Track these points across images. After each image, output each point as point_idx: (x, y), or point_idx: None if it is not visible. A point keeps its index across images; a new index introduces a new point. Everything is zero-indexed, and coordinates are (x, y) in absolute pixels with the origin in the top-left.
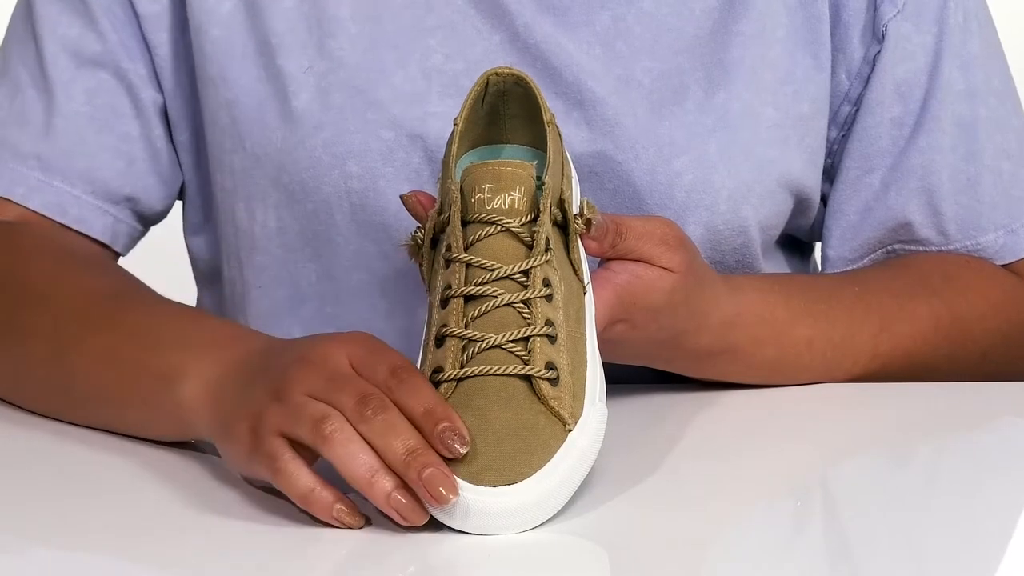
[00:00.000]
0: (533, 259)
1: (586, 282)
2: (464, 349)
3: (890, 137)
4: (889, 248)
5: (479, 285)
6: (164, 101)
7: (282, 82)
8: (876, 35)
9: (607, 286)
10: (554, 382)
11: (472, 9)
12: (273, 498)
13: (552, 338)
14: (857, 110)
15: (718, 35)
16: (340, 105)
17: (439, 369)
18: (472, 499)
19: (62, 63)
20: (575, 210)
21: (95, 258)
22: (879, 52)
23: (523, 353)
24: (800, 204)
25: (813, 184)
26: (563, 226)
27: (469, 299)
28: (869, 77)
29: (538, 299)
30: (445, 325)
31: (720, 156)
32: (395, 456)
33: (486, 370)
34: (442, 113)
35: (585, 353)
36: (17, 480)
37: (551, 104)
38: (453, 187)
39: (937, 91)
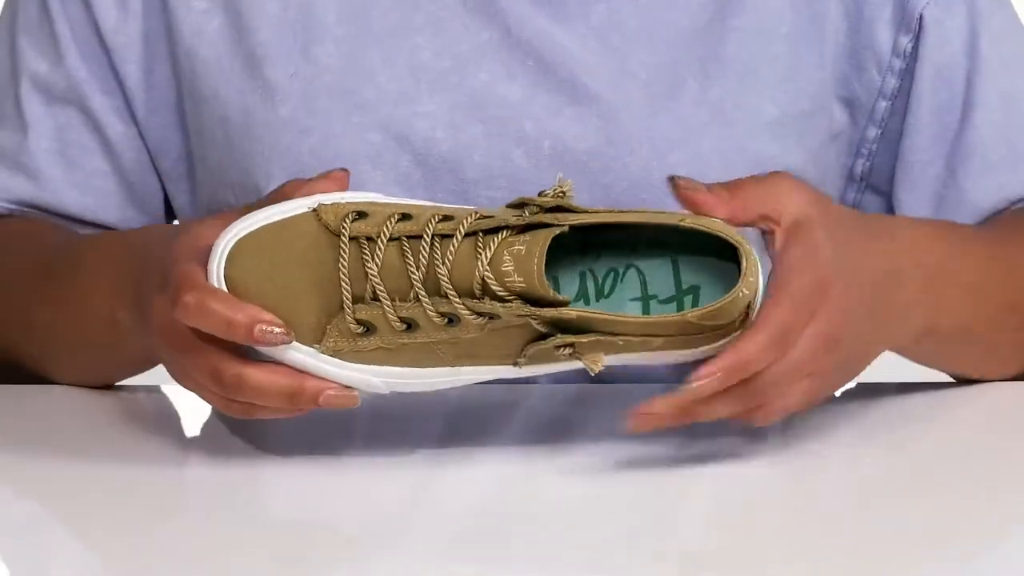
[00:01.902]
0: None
1: (520, 369)
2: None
3: (941, 123)
4: None
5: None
6: (139, 132)
7: (268, 91)
8: (907, 26)
9: (783, 297)
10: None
11: (460, 7)
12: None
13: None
14: (893, 104)
15: (714, 29)
16: (326, 109)
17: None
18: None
19: (33, 100)
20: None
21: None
22: (916, 43)
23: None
24: None
25: (819, 185)
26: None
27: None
28: (905, 70)
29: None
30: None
31: (714, 151)
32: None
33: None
34: (430, 112)
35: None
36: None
37: (545, 99)
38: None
39: (979, 68)
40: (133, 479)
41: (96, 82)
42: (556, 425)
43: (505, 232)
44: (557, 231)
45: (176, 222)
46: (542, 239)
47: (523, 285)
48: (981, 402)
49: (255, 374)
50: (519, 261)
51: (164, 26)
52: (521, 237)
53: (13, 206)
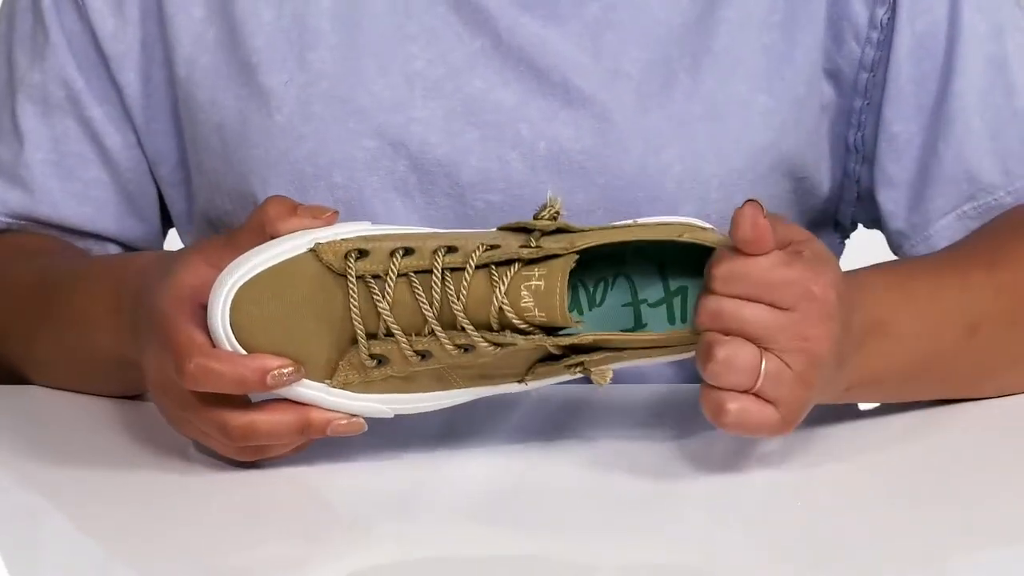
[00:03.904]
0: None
1: (527, 385)
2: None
3: (924, 92)
4: (960, 211)
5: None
6: (137, 140)
7: (264, 98)
8: None
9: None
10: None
11: (453, 16)
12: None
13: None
14: (875, 75)
15: (705, 22)
16: (322, 116)
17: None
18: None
19: (29, 111)
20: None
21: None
22: (892, 13)
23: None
24: (801, 185)
25: (813, 163)
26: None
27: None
28: (883, 41)
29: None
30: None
31: (708, 145)
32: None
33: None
34: (425, 118)
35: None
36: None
37: (539, 103)
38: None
39: (961, 35)
40: (135, 466)
41: (94, 92)
42: (557, 418)
43: (518, 265)
44: (572, 263)
45: (172, 230)
46: (559, 274)
47: (544, 319)
48: (980, 412)
49: (263, 419)
50: (539, 297)
51: (160, 32)
52: (536, 270)
53: (11, 219)
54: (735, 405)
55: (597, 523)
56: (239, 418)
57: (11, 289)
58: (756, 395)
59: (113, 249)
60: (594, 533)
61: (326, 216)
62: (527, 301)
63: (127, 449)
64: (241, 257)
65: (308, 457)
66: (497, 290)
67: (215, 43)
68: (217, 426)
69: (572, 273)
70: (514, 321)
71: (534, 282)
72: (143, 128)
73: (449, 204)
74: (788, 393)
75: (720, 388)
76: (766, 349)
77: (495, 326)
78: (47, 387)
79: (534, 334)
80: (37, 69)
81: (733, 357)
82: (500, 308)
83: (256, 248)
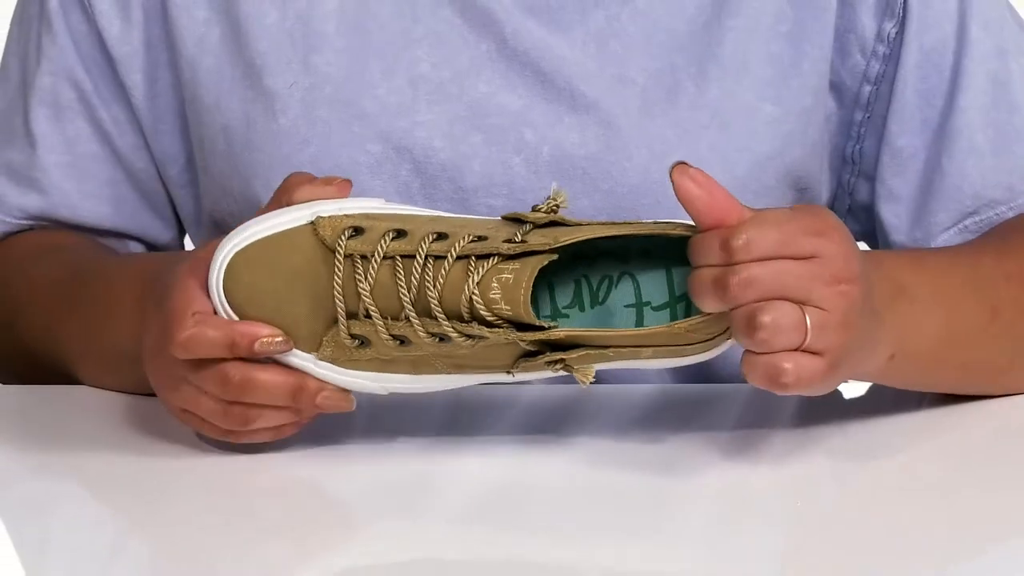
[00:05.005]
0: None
1: (514, 377)
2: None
3: (930, 107)
4: (962, 225)
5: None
6: (145, 142)
7: (268, 101)
8: (891, 11)
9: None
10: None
11: (459, 19)
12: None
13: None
14: (878, 89)
15: (711, 30)
16: (326, 119)
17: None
18: None
19: (40, 114)
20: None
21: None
22: (901, 28)
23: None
24: (803, 196)
25: (816, 174)
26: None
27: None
28: (889, 56)
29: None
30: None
31: (713, 153)
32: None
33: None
34: (429, 122)
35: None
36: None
37: (543, 108)
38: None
39: (968, 51)
40: (140, 461)
41: (101, 93)
42: (553, 417)
43: (496, 258)
44: (546, 260)
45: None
46: (530, 268)
47: (509, 312)
48: (980, 411)
49: (262, 376)
50: (506, 289)
51: (165, 34)
52: (511, 263)
53: (31, 221)
54: (791, 363)
55: (592, 523)
56: (239, 369)
57: (39, 283)
58: (804, 350)
59: (135, 247)
60: (589, 533)
61: (337, 183)
62: (495, 293)
63: (133, 443)
64: (245, 223)
65: (305, 454)
66: (470, 280)
67: (219, 45)
68: (217, 378)
69: (577, 268)
70: (482, 312)
71: (505, 275)
72: (150, 130)
73: (452, 208)
74: (834, 339)
75: (768, 353)
76: (803, 303)
77: (466, 316)
78: (73, 383)
79: (502, 327)
80: (46, 71)
81: (780, 319)
82: (471, 298)
83: (261, 216)
